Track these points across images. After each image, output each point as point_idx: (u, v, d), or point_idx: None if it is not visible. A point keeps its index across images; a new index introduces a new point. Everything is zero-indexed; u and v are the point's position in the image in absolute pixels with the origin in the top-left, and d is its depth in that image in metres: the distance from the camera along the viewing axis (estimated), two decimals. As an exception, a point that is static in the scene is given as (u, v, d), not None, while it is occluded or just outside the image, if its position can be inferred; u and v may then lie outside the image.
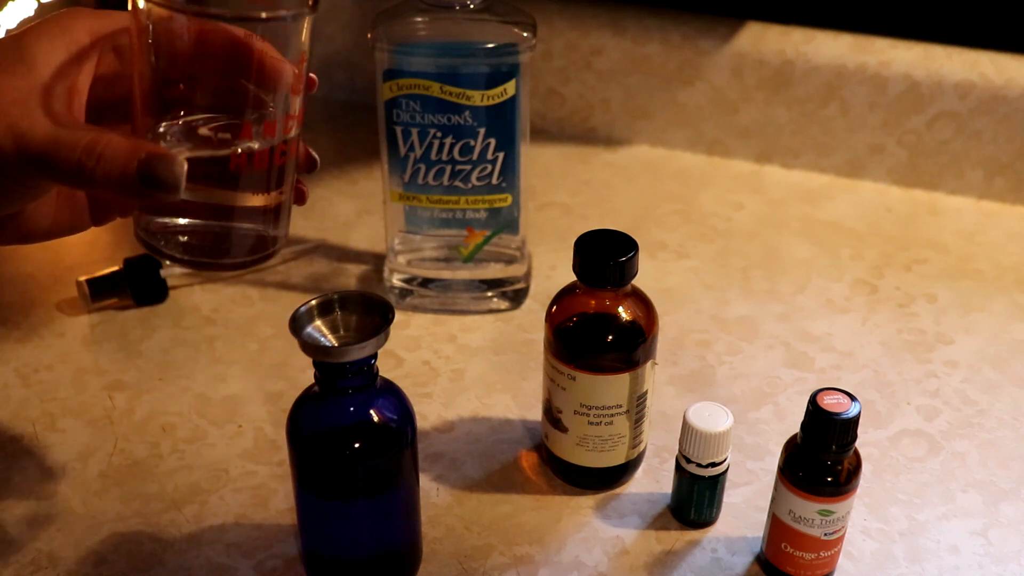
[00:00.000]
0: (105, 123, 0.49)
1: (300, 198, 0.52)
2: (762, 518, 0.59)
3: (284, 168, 0.48)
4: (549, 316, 0.60)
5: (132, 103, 0.47)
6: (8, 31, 0.47)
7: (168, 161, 0.44)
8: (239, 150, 0.46)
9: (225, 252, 0.49)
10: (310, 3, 0.45)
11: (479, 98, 0.69)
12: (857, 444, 0.53)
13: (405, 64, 0.69)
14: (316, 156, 0.52)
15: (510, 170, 0.72)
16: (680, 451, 0.59)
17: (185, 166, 0.44)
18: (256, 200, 0.48)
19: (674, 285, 0.81)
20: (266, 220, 0.49)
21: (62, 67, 0.47)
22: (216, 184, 0.47)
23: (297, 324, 0.49)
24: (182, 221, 0.48)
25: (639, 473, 0.64)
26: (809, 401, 0.53)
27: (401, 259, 0.77)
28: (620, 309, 0.58)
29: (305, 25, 0.46)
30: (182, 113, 0.47)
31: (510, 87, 0.69)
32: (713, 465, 0.58)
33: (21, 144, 0.45)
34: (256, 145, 0.46)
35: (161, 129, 0.47)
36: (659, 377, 0.71)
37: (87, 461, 0.64)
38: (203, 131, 0.47)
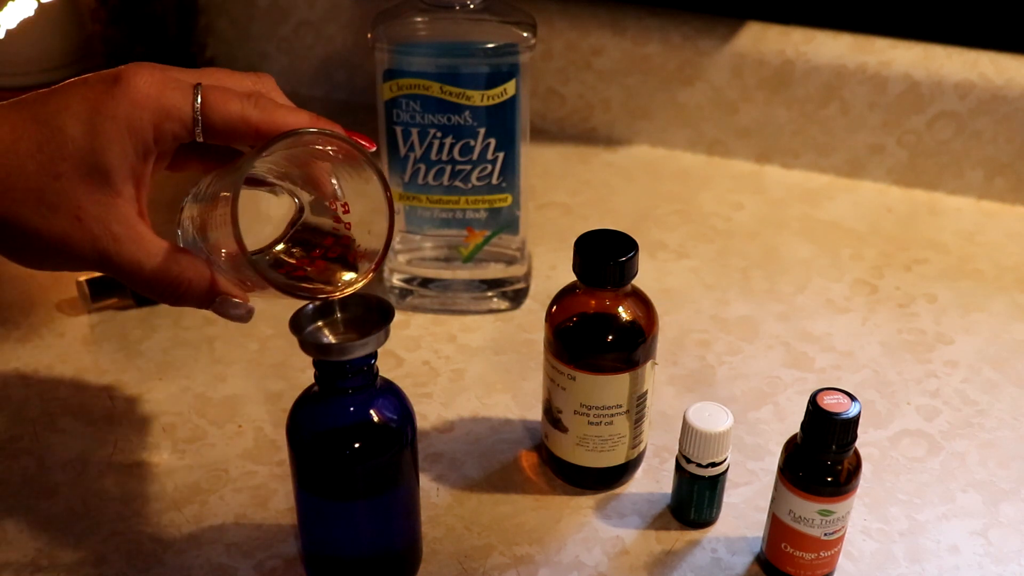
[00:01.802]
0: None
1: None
2: (762, 518, 0.59)
3: None
4: (549, 316, 0.60)
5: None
6: (69, 128, 0.47)
7: (238, 307, 0.51)
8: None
9: None
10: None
11: (479, 98, 0.69)
12: (857, 444, 0.53)
13: (405, 64, 0.69)
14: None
15: (510, 170, 0.72)
16: (680, 451, 0.59)
17: (253, 312, 0.51)
18: None
19: (674, 285, 0.81)
20: None
21: (133, 171, 0.48)
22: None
23: (297, 324, 0.49)
24: None
25: (639, 473, 0.64)
26: (809, 401, 0.52)
27: (401, 259, 0.77)
28: (620, 309, 0.58)
29: None
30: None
31: (510, 87, 0.69)
32: (713, 465, 0.58)
33: (105, 263, 0.48)
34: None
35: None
36: (659, 377, 0.71)
37: (87, 461, 0.64)
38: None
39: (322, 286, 0.50)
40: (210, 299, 0.50)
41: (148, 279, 0.49)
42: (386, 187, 0.50)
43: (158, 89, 0.47)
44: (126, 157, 0.47)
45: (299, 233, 0.54)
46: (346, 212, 0.52)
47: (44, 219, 0.47)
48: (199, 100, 0.48)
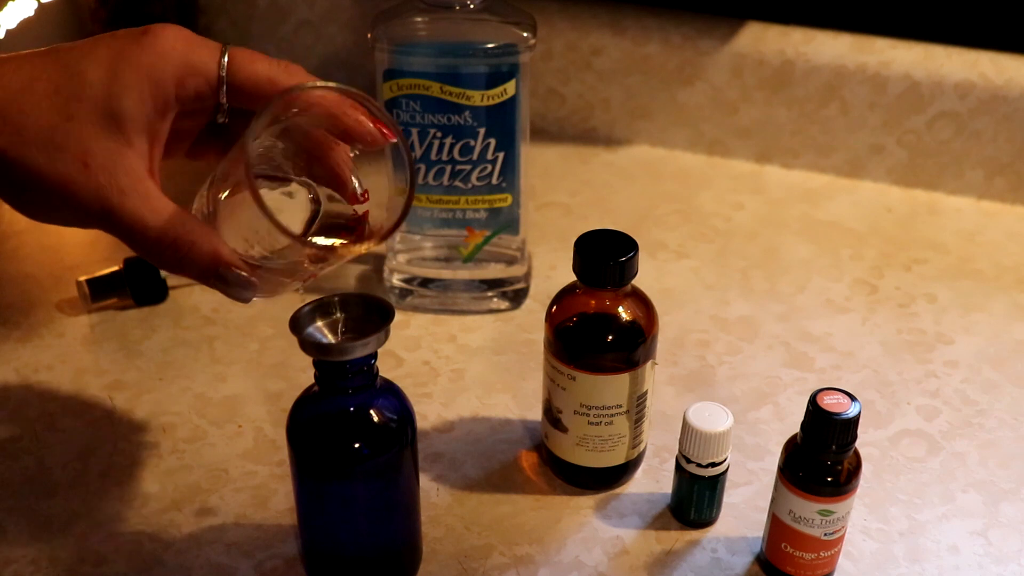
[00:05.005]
0: (169, 147, 0.50)
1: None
2: (762, 518, 0.59)
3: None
4: (549, 316, 0.60)
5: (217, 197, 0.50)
6: (89, 72, 0.46)
7: (242, 283, 0.48)
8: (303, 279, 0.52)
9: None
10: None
11: (479, 98, 0.69)
12: (857, 444, 0.53)
13: (405, 64, 0.69)
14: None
15: (510, 170, 0.72)
16: (680, 451, 0.59)
17: (256, 290, 0.49)
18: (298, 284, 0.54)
19: (674, 285, 0.81)
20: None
21: (150, 124, 0.47)
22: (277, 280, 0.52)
23: (298, 324, 0.49)
24: None
25: (639, 473, 0.64)
26: (809, 401, 0.52)
27: (401, 259, 0.77)
28: (620, 309, 0.58)
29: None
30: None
31: (510, 87, 0.69)
32: (713, 465, 0.58)
33: (108, 215, 0.46)
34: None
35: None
36: (659, 377, 0.71)
37: (87, 461, 0.64)
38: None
39: (334, 244, 0.49)
40: (213, 267, 0.48)
41: (151, 237, 0.47)
42: (408, 154, 0.49)
43: (185, 44, 0.47)
44: (143, 106, 0.46)
45: (316, 228, 0.53)
46: (365, 200, 0.52)
47: (50, 161, 0.45)
48: (226, 58, 0.47)
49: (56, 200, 0.46)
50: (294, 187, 0.53)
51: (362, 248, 0.49)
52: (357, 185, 0.52)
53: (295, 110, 0.49)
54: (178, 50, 0.46)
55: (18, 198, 0.47)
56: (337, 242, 0.51)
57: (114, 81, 0.45)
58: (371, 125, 0.50)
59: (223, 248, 0.48)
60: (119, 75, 0.46)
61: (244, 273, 0.48)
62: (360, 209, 0.52)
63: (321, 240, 0.51)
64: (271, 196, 0.52)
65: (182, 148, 0.53)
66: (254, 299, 0.51)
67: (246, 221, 0.47)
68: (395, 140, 0.50)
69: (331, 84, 0.48)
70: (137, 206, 0.46)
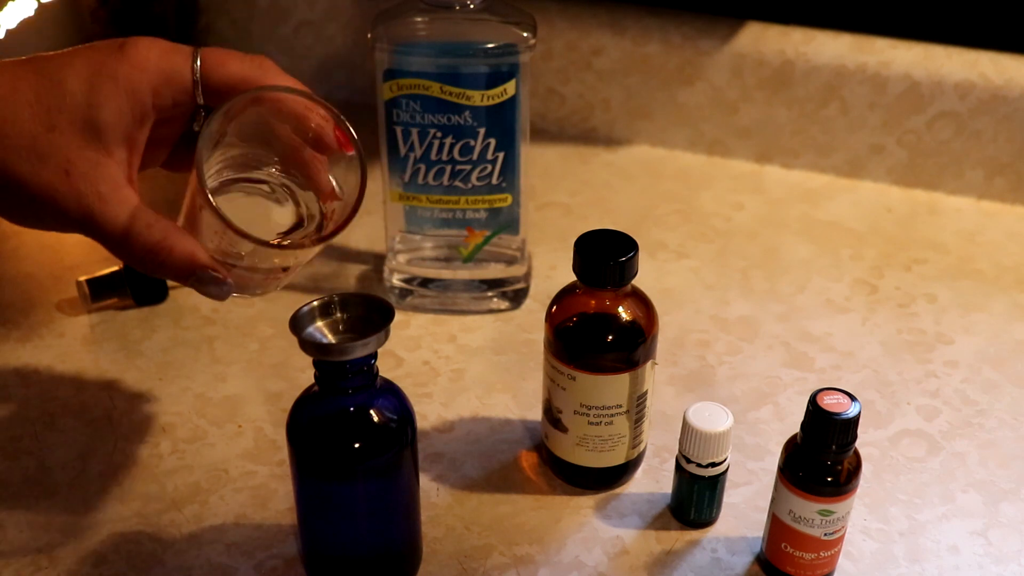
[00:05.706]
0: (148, 156, 0.52)
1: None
2: (762, 518, 0.59)
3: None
4: (549, 316, 0.60)
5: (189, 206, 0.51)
6: (69, 83, 0.48)
7: (217, 283, 0.51)
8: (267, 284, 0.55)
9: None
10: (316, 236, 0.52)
11: (479, 98, 0.69)
12: (857, 444, 0.53)
13: (405, 64, 0.69)
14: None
15: (510, 170, 0.72)
16: (680, 451, 0.59)
17: (231, 289, 0.51)
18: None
19: (674, 285, 0.81)
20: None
21: (128, 134, 0.48)
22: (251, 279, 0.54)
23: (298, 324, 0.49)
24: None
25: (639, 473, 0.64)
26: (809, 401, 0.52)
27: (401, 259, 0.77)
28: (620, 309, 0.58)
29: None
30: None
31: (510, 87, 0.69)
32: (713, 465, 0.58)
33: (88, 221, 0.48)
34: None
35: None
36: (659, 377, 0.71)
37: (87, 461, 0.64)
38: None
39: (291, 240, 0.51)
40: (191, 269, 0.50)
41: (130, 242, 0.49)
42: (362, 159, 0.51)
43: (159, 54, 0.48)
44: (122, 117, 0.47)
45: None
46: (339, 199, 0.53)
47: (33, 169, 0.47)
48: (199, 62, 0.49)
49: (39, 206, 0.48)
50: (284, 204, 0.54)
51: (316, 248, 0.51)
52: (334, 184, 0.53)
53: (258, 107, 0.51)
54: (152, 60, 0.48)
55: (2, 202, 0.49)
56: (291, 241, 0.52)
57: (93, 93, 0.47)
58: (333, 131, 0.52)
59: (199, 252, 0.50)
60: (98, 87, 0.47)
61: (219, 274, 0.51)
62: (327, 209, 0.53)
63: (276, 240, 0.53)
64: (252, 200, 0.53)
65: (160, 156, 0.55)
66: (252, 299, 0.52)
67: (213, 223, 0.49)
68: (352, 152, 0.52)
69: (290, 87, 0.50)
70: (116, 213, 0.48)
